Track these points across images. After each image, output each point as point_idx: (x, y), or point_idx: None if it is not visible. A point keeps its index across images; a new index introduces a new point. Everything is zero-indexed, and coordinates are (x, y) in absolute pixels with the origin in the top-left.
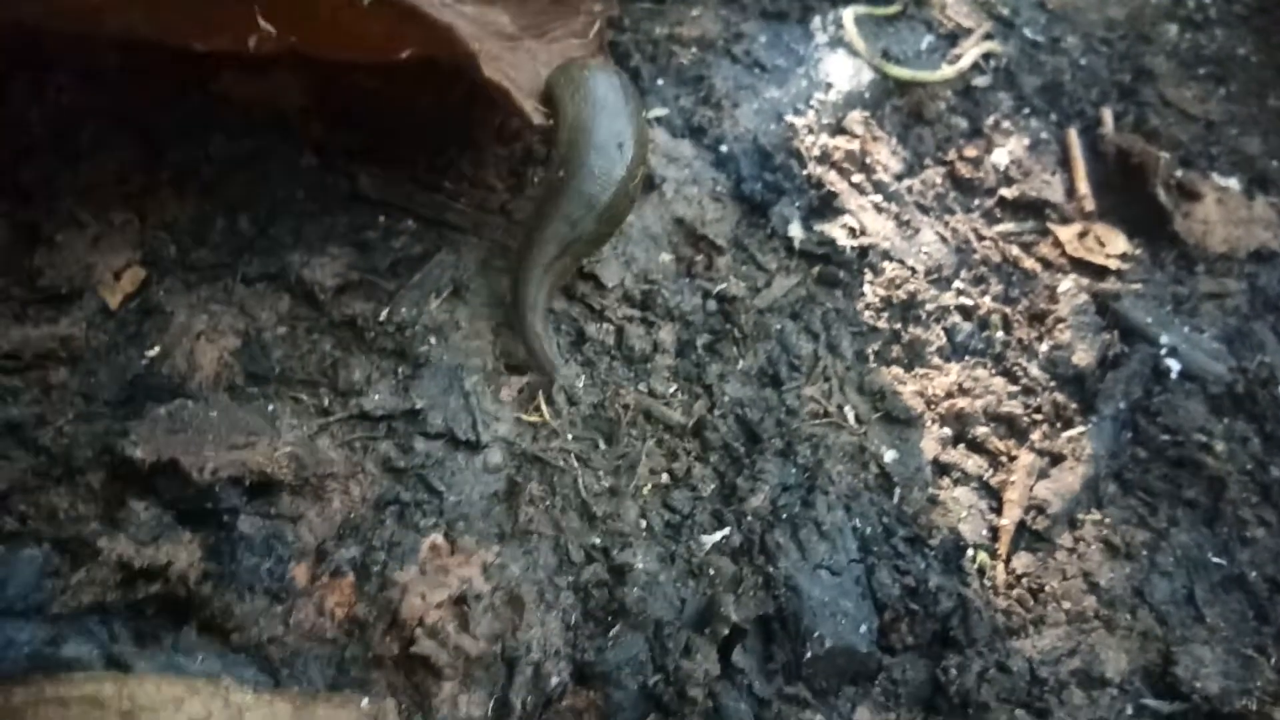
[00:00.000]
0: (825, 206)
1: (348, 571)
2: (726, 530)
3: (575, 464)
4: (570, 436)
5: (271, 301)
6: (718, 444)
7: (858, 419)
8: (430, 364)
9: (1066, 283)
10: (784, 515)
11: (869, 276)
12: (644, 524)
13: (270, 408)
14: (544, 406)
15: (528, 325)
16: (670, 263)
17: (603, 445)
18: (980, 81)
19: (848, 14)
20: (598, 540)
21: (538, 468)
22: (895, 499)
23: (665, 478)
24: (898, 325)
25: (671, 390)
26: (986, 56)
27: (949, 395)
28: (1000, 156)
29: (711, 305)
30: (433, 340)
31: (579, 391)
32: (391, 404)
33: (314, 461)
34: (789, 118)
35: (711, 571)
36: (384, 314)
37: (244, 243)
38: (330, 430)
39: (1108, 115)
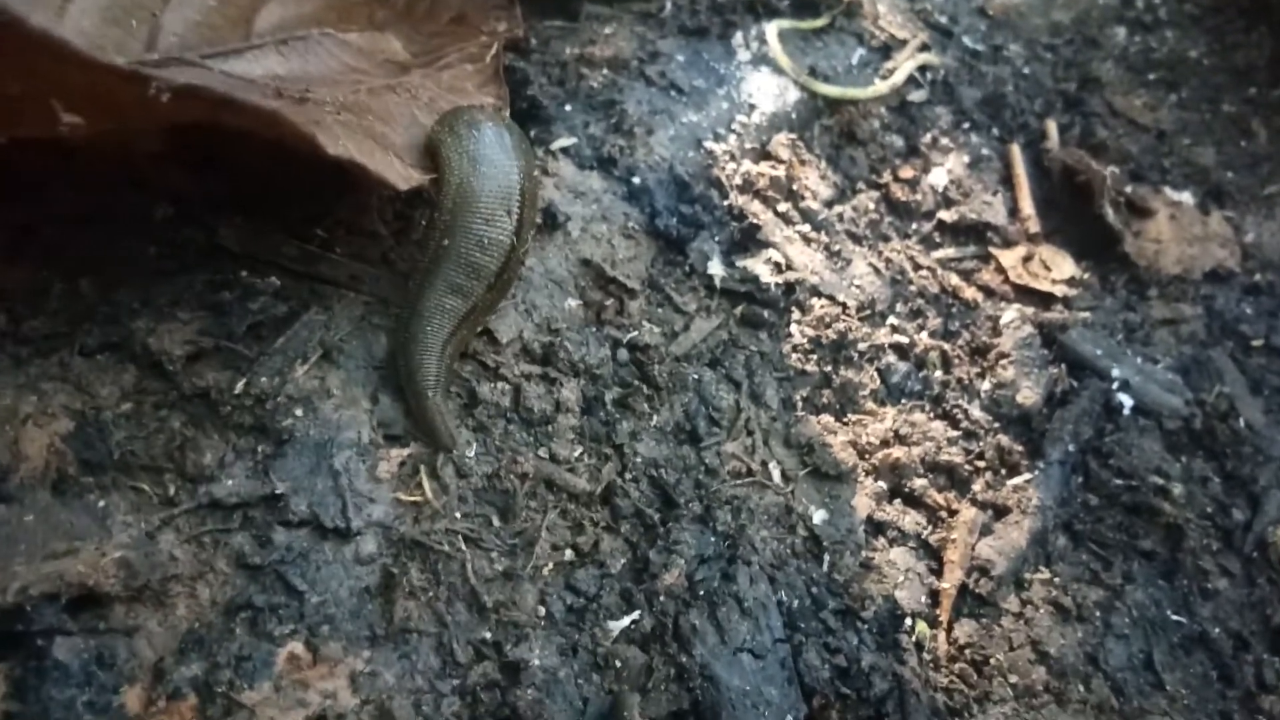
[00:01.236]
0: (748, 240)
1: (189, 693)
2: (636, 614)
3: (464, 547)
4: (459, 515)
5: (113, 375)
6: (629, 511)
7: (784, 476)
8: (295, 440)
9: (1010, 313)
10: (701, 592)
11: (796, 315)
12: (543, 611)
13: (102, 503)
14: (425, 483)
15: (429, 404)
16: (577, 309)
17: (497, 522)
18: (916, 96)
19: (771, 29)
20: (488, 634)
21: (419, 555)
22: (825, 566)
23: (569, 554)
24: (828, 368)
25: (576, 454)
26: (923, 69)
27: (884, 444)
28: (938, 176)
29: (622, 355)
30: (298, 412)
31: (470, 462)
32: (248, 489)
33: (150, 565)
34: (708, 144)
35: (618, 663)
36: (241, 385)
37: (84, 309)
38: (175, 524)
39: (1052, 128)
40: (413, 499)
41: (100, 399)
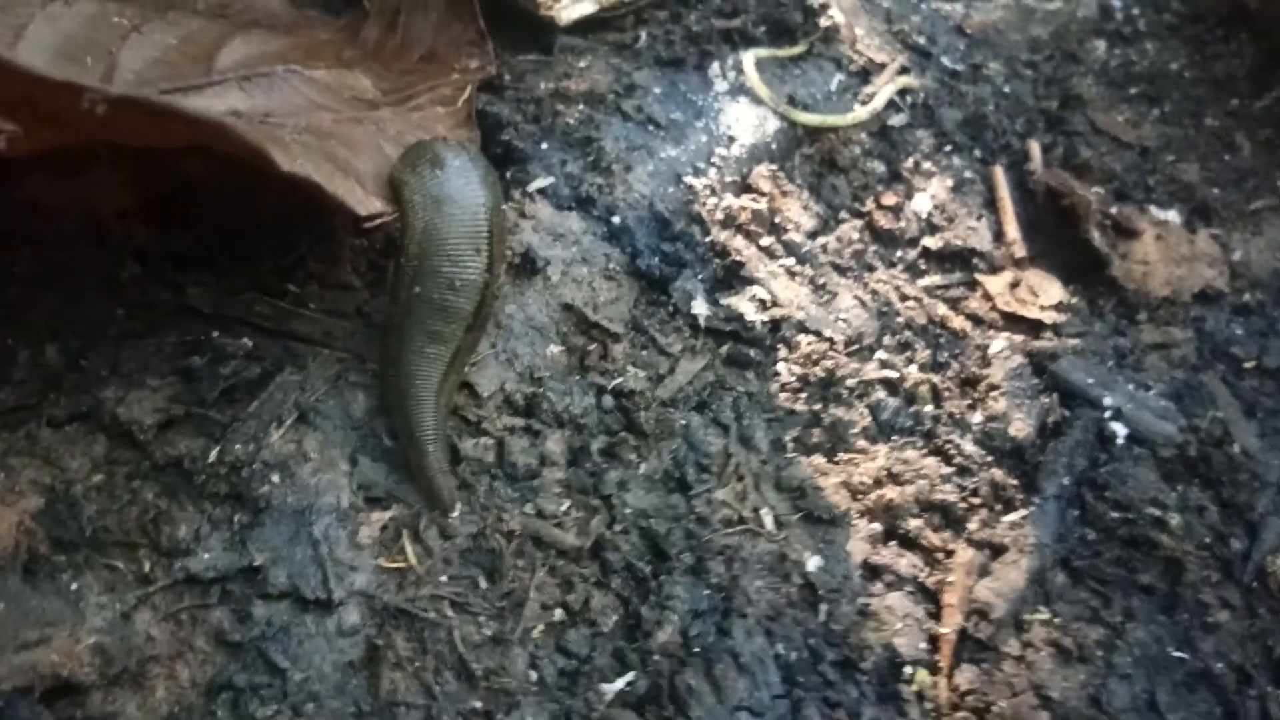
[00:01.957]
0: (732, 276)
1: None
2: (631, 675)
3: (450, 612)
4: (444, 578)
5: (83, 447)
6: (619, 565)
7: (777, 522)
8: (272, 508)
9: (999, 342)
10: (696, 649)
11: (783, 353)
12: (534, 676)
13: (74, 585)
14: (409, 548)
15: (431, 462)
16: (560, 356)
17: (484, 583)
18: (896, 120)
19: (748, 58)
20: (478, 704)
21: (404, 623)
22: (822, 615)
23: (559, 613)
24: (817, 406)
25: (564, 508)
26: (902, 93)
27: (876, 484)
28: (922, 202)
29: (607, 402)
30: (275, 479)
31: (454, 523)
32: (225, 562)
33: (126, 649)
34: (688, 179)
35: None
36: (215, 453)
37: (51, 377)
38: (151, 602)
39: (1035, 149)
40: (395, 565)
41: (70, 472)
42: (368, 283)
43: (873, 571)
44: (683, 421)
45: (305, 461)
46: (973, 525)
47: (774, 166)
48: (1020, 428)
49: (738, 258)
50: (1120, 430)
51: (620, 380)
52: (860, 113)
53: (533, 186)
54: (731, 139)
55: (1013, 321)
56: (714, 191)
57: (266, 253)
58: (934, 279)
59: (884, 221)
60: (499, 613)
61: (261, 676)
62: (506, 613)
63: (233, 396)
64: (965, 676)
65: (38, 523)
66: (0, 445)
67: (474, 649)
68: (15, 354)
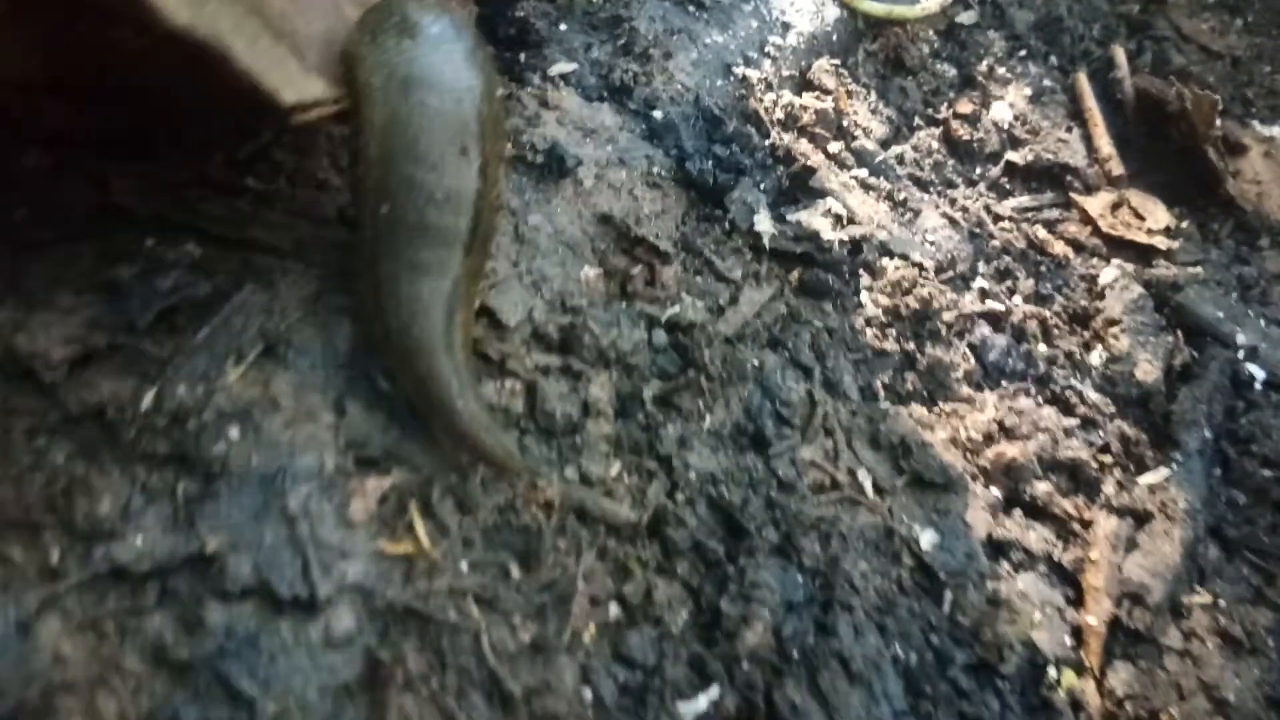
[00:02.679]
0: (798, 187)
1: None
2: (714, 691)
3: (475, 612)
4: (465, 566)
5: None
6: (685, 545)
7: (876, 487)
8: (229, 474)
9: (1109, 271)
10: (794, 653)
11: (866, 280)
12: (588, 695)
13: None
14: (418, 525)
15: (465, 417)
16: (597, 280)
17: (516, 572)
18: (965, 18)
19: None
20: None
21: (414, 628)
22: (945, 605)
23: (614, 610)
24: (910, 345)
25: (614, 471)
26: None
27: (987, 439)
28: (1001, 111)
29: (659, 338)
30: (233, 434)
31: (474, 491)
32: (165, 548)
33: (23, 674)
34: (740, 69)
35: None
36: (149, 398)
37: None
38: (61, 606)
39: (1121, 55)
40: (401, 549)
41: None
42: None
43: (996, 548)
44: (754, 362)
45: (274, 410)
46: (1108, 489)
47: (835, 61)
48: (1147, 370)
49: (806, 163)
50: (1257, 373)
51: (675, 311)
52: (929, 4)
53: (554, 70)
54: (786, 26)
55: (1119, 247)
56: (770, 86)
57: (219, 139)
58: (1022, 199)
59: (961, 131)
60: (538, 610)
61: (221, 710)
62: (548, 610)
63: (173, 323)
64: (1120, 677)
65: None
66: None
67: (509, 660)
68: None
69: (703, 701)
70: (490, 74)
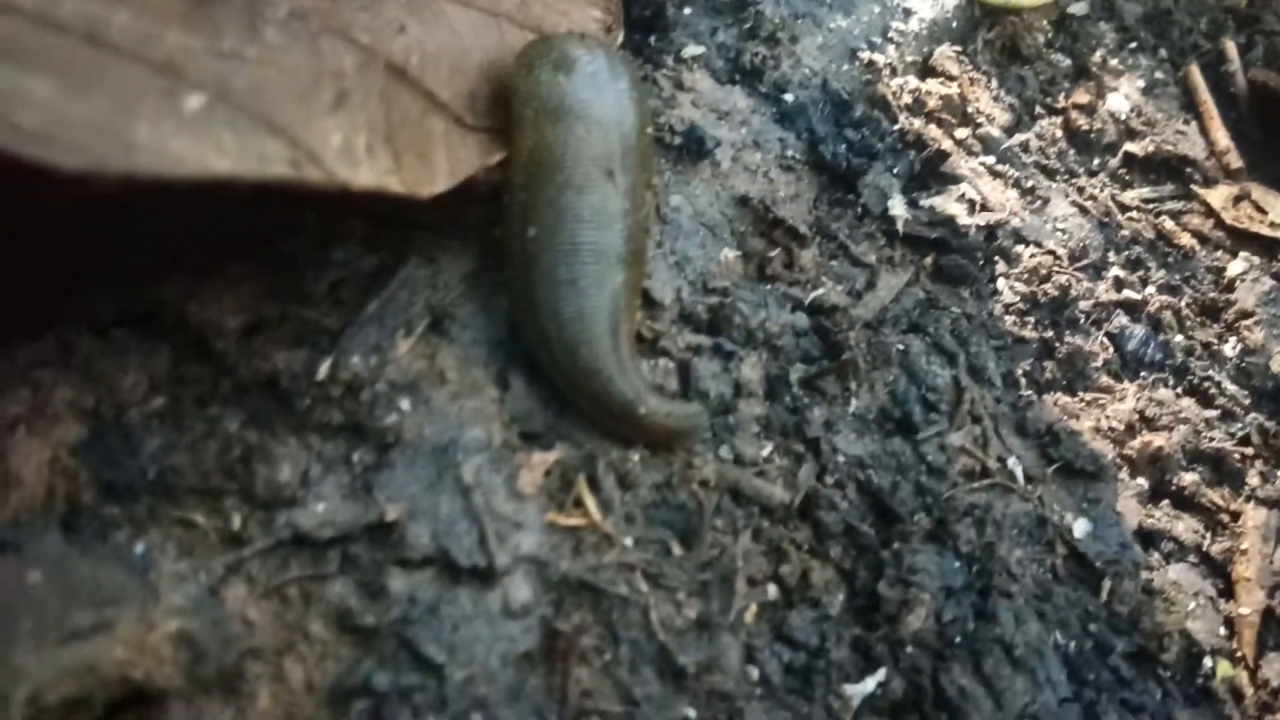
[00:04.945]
0: (930, 173)
1: None
2: (881, 674)
3: (643, 586)
4: (629, 542)
5: (139, 359)
6: (836, 529)
7: (1026, 475)
8: (404, 444)
9: (1237, 264)
10: (957, 638)
11: (1002, 266)
12: (755, 673)
13: (138, 546)
14: (587, 499)
15: (650, 421)
16: (736, 261)
17: (677, 550)
18: (1076, 9)
19: None
20: (692, 713)
21: (587, 600)
22: (1103, 594)
23: (772, 591)
24: (1048, 333)
25: (765, 452)
26: None
27: (1129, 429)
28: (1118, 102)
29: (801, 321)
30: (404, 405)
31: (634, 468)
32: (346, 516)
33: (219, 637)
34: (865, 54)
35: None
36: (324, 369)
37: (93, 267)
38: (246, 571)
39: (1232, 48)
40: (571, 521)
41: (121, 392)
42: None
43: (1146, 538)
44: (899, 347)
45: (442, 383)
46: (1252, 480)
47: (957, 49)
48: None
49: (938, 149)
50: None
51: (819, 293)
52: None
53: (685, 53)
54: (908, 12)
55: (1243, 240)
56: (895, 71)
57: None
58: (1142, 190)
59: (1080, 121)
60: (701, 588)
61: (409, 675)
62: (710, 588)
63: (340, 295)
64: (1275, 668)
65: (80, 460)
66: (23, 354)
67: (677, 635)
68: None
69: (870, 684)
70: (642, 110)
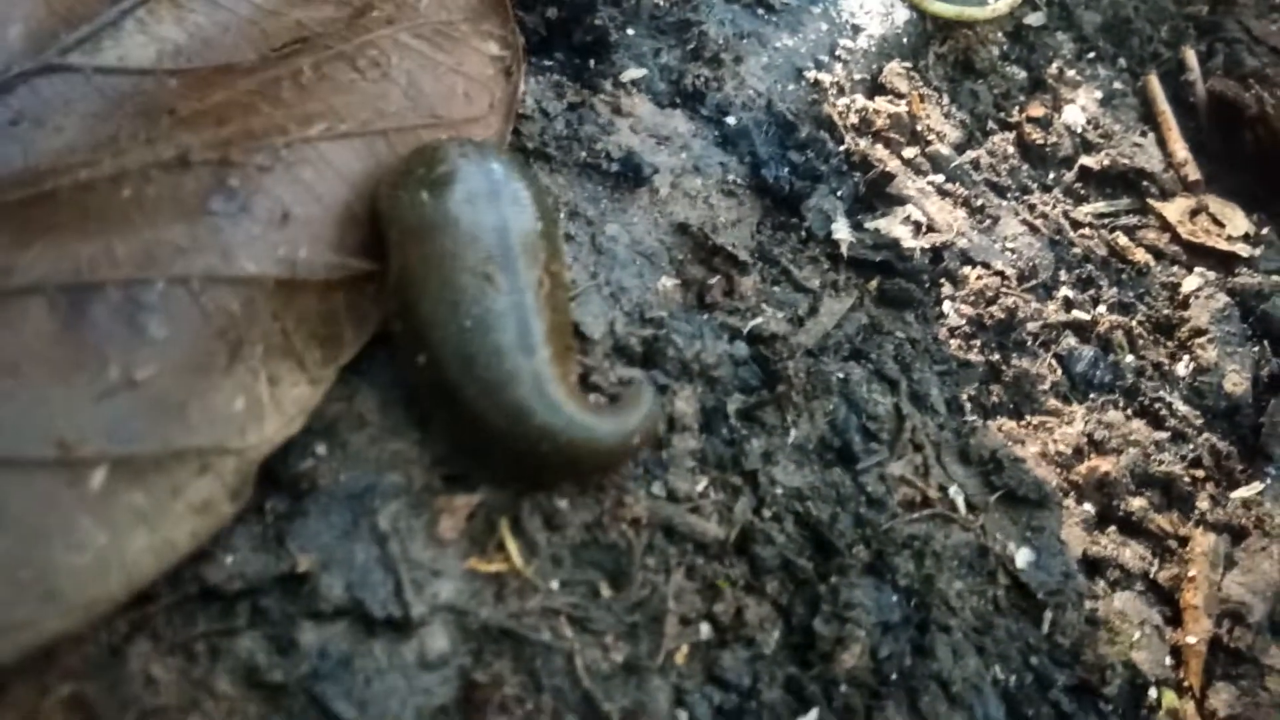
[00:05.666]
0: (875, 194)
1: None
2: (813, 714)
3: (568, 632)
4: (555, 585)
5: None
6: (774, 564)
7: (969, 504)
8: (318, 491)
9: (1192, 279)
10: (892, 674)
11: (948, 289)
12: (683, 717)
13: None
14: (509, 543)
15: (616, 440)
16: (675, 290)
17: (606, 591)
18: (1032, 19)
19: None
20: None
21: (509, 649)
22: (1044, 625)
23: (705, 630)
24: (995, 356)
25: (700, 487)
26: None
27: (1077, 453)
28: (1073, 115)
29: (740, 350)
30: (320, 450)
31: (563, 508)
32: (256, 567)
33: (117, 700)
34: (812, 73)
35: None
36: None
37: None
38: (152, 628)
39: (1192, 57)
40: (493, 567)
41: None
42: None
43: (1093, 566)
44: (839, 374)
45: (361, 426)
46: (1202, 503)
47: (907, 64)
48: (1236, 382)
49: (883, 169)
50: None
51: (758, 322)
52: (999, 5)
53: (625, 77)
54: (857, 28)
55: (1200, 254)
56: (842, 90)
57: None
58: (1097, 205)
59: (1034, 135)
60: (630, 630)
61: None
62: (640, 630)
63: None
64: (1222, 698)
65: None
66: None
67: (602, 682)
68: None
69: None
70: (528, 205)
